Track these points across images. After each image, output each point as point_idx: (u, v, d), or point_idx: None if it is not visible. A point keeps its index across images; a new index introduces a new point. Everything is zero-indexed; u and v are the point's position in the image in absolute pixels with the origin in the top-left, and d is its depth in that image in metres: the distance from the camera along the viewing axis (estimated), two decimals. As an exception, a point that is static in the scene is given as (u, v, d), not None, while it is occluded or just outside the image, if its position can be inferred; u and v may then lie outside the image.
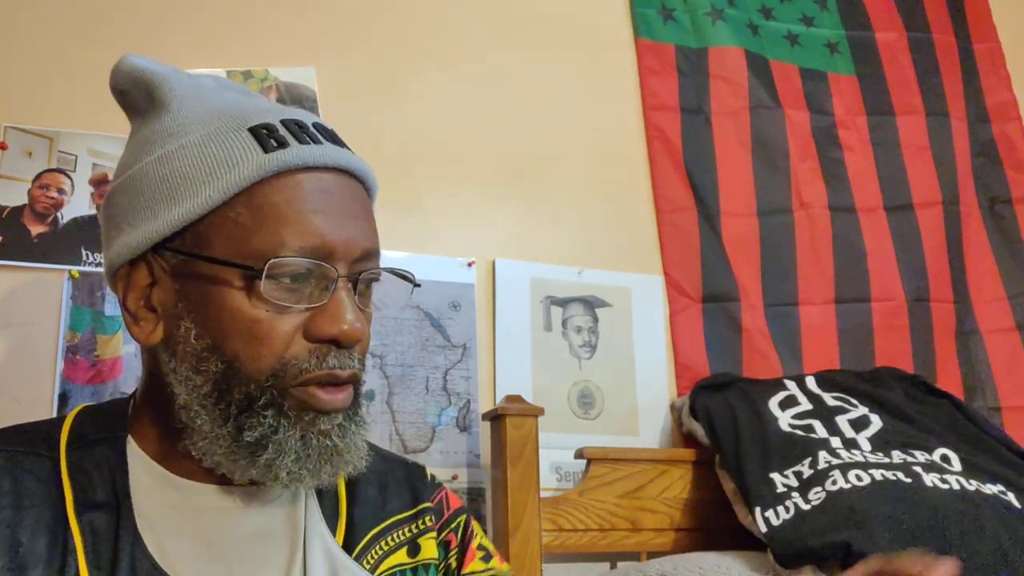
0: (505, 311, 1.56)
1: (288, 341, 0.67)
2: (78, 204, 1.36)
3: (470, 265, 1.56)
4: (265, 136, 0.69)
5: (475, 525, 0.86)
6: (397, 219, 1.54)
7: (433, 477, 0.87)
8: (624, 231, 1.71)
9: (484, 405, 1.49)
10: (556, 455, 1.50)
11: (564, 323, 1.60)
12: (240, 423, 0.66)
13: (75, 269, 1.32)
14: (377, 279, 0.76)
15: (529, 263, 1.61)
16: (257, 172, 0.67)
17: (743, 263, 1.75)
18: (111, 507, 0.68)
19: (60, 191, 1.36)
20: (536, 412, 1.36)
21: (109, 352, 1.31)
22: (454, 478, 1.44)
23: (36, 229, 1.33)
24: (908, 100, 1.99)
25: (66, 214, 1.35)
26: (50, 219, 1.34)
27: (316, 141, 0.71)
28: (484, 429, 1.46)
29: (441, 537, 0.82)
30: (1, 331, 1.28)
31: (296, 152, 0.69)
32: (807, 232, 1.82)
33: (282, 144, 0.69)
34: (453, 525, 0.83)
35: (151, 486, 0.71)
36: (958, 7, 2.13)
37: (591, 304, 1.64)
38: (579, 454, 1.44)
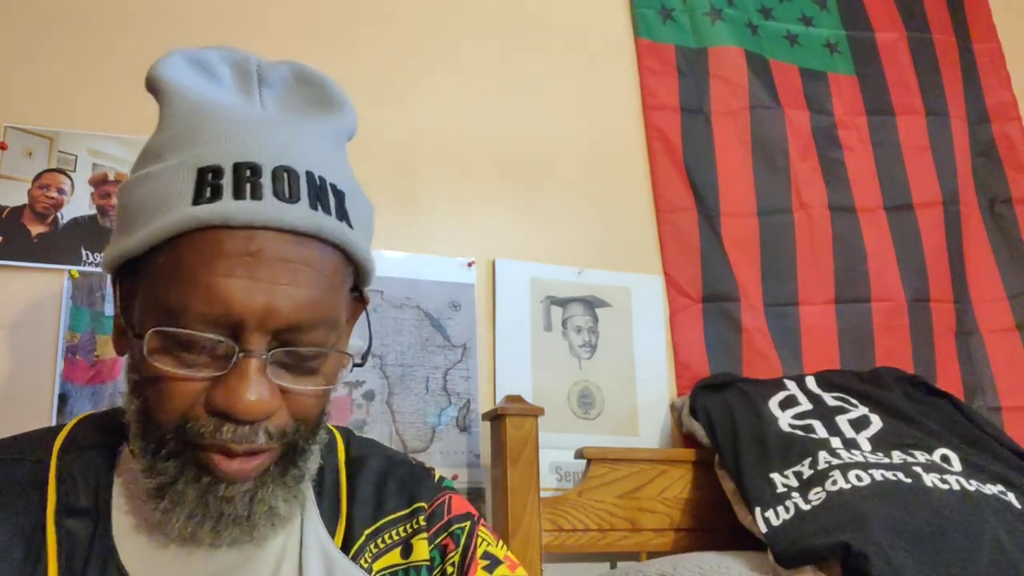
0: (505, 311, 1.56)
1: (190, 403, 0.63)
2: (78, 204, 1.36)
3: (470, 265, 1.56)
4: (205, 183, 0.64)
5: (483, 532, 0.81)
6: (397, 219, 1.55)
7: (441, 480, 0.84)
8: (624, 231, 1.71)
9: (484, 405, 1.49)
10: (556, 455, 1.50)
11: (564, 323, 1.60)
12: (151, 464, 0.65)
13: (75, 269, 1.32)
14: (301, 355, 0.66)
15: (529, 263, 1.61)
16: (175, 226, 0.63)
17: (743, 263, 1.75)
18: (91, 514, 0.68)
19: (60, 191, 1.36)
20: (536, 412, 1.36)
21: (109, 352, 1.31)
22: (454, 478, 1.44)
23: (36, 229, 1.33)
24: (908, 100, 1.99)
25: (66, 214, 1.35)
26: (50, 219, 1.34)
27: (256, 195, 0.64)
28: (484, 429, 1.46)
29: (437, 541, 0.79)
30: (1, 331, 1.28)
31: (219, 208, 0.63)
32: (807, 232, 1.82)
33: (215, 195, 0.63)
34: (452, 530, 0.79)
35: (131, 496, 0.70)
36: (958, 7, 2.13)
37: (591, 304, 1.64)
38: (579, 454, 1.44)
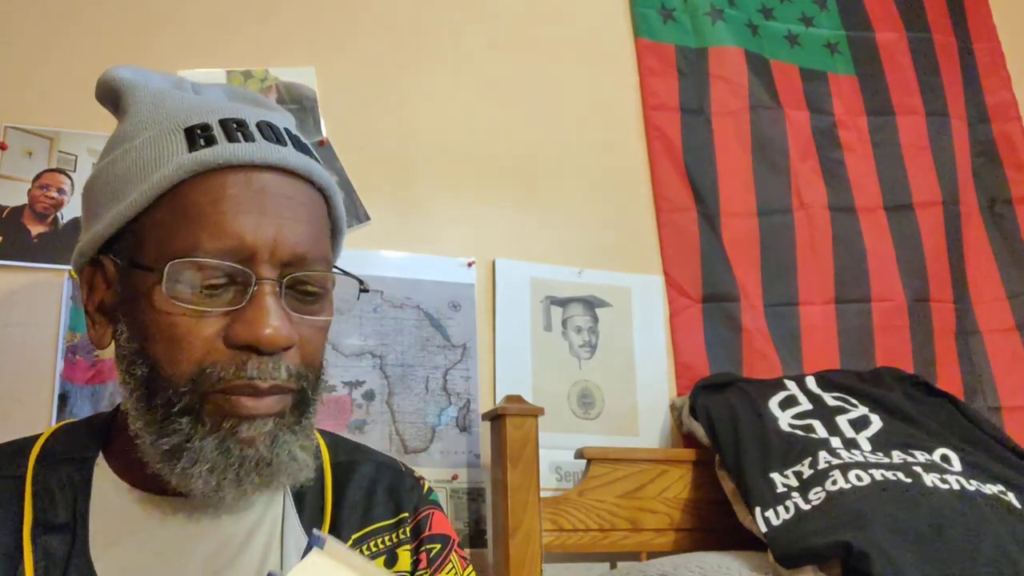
0: (505, 311, 1.56)
1: (208, 346, 0.64)
2: (78, 204, 1.36)
3: (470, 265, 1.56)
4: (197, 136, 0.67)
5: (455, 559, 0.82)
6: (397, 219, 1.54)
7: (429, 491, 0.85)
8: (624, 231, 1.71)
9: (484, 405, 1.49)
10: (556, 455, 1.50)
11: (564, 323, 1.60)
12: (162, 429, 0.64)
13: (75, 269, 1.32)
14: (311, 283, 0.69)
15: (529, 263, 1.61)
16: (177, 172, 0.65)
17: (743, 263, 1.75)
18: (68, 530, 0.67)
19: (60, 191, 1.36)
20: (536, 412, 1.36)
21: (109, 352, 1.30)
22: (454, 478, 1.44)
23: (36, 229, 1.33)
24: (908, 100, 1.99)
25: (66, 214, 1.35)
26: (50, 219, 1.34)
27: (250, 139, 0.67)
28: (484, 429, 1.46)
29: (415, 556, 0.79)
30: (1, 331, 1.28)
31: (219, 150, 0.66)
32: (807, 232, 1.82)
33: (210, 143, 0.66)
34: (429, 547, 0.80)
35: (116, 505, 0.69)
36: (958, 7, 2.13)
37: (591, 304, 1.64)
38: (579, 454, 1.44)
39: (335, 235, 0.76)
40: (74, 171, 1.38)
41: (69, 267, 1.32)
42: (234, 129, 0.68)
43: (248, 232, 0.64)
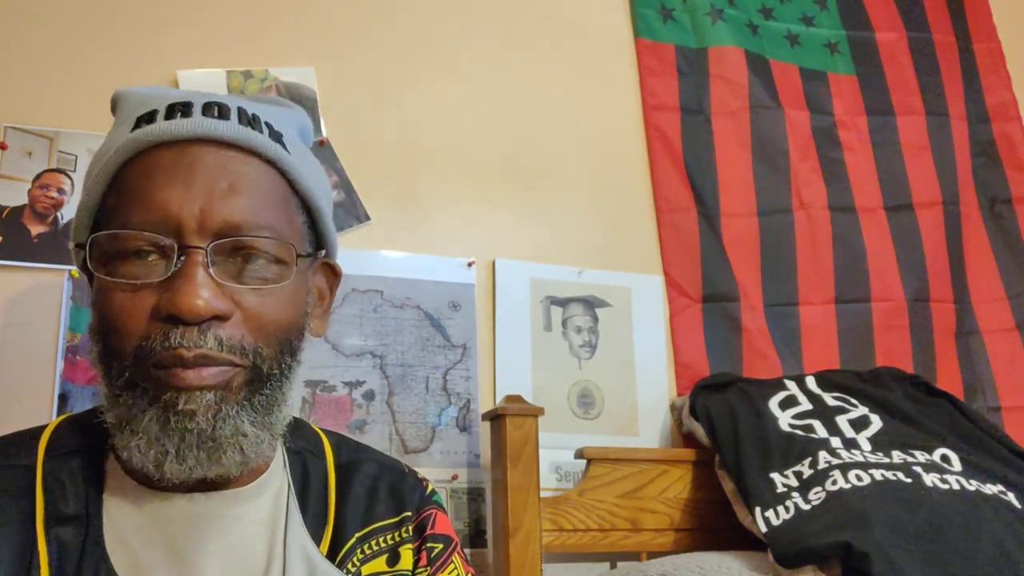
0: (505, 311, 1.56)
1: (141, 319, 0.64)
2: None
3: (470, 265, 1.56)
4: (142, 121, 0.68)
5: (457, 561, 0.82)
6: (397, 219, 1.54)
7: (432, 492, 0.85)
8: (624, 231, 1.71)
9: (484, 405, 1.49)
10: (556, 455, 1.50)
11: (564, 323, 1.60)
12: (112, 404, 0.65)
13: (75, 269, 1.32)
14: (255, 250, 0.67)
15: (529, 263, 1.61)
16: (116, 155, 0.67)
17: (743, 263, 1.75)
18: (80, 521, 0.67)
19: (60, 191, 1.36)
20: (536, 412, 1.36)
21: (109, 352, 1.31)
22: (454, 478, 1.44)
23: (36, 229, 1.33)
24: (908, 100, 1.99)
25: (66, 214, 1.35)
26: (50, 219, 1.34)
27: (187, 115, 0.68)
28: (484, 429, 1.46)
29: (416, 555, 0.80)
30: (1, 331, 1.28)
31: (151, 128, 0.67)
32: (807, 232, 1.82)
33: (150, 122, 0.68)
34: (431, 546, 0.80)
35: (126, 498, 0.69)
36: (958, 7, 2.13)
37: (591, 304, 1.64)
38: (579, 454, 1.44)
39: (312, 213, 0.75)
40: (74, 171, 1.38)
41: (69, 267, 1.32)
42: (176, 110, 0.68)
43: (174, 202, 0.64)
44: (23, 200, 1.34)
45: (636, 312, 1.66)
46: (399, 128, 1.60)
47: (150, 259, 0.65)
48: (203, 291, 0.63)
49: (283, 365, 0.69)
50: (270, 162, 0.71)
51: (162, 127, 0.67)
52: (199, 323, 0.63)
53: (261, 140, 0.70)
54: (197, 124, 0.67)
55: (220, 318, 0.64)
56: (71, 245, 0.75)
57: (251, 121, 0.70)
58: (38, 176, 1.36)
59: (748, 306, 1.71)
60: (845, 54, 2.01)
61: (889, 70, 2.01)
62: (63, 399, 1.27)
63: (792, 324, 1.75)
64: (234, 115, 0.70)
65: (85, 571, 0.65)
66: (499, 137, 1.67)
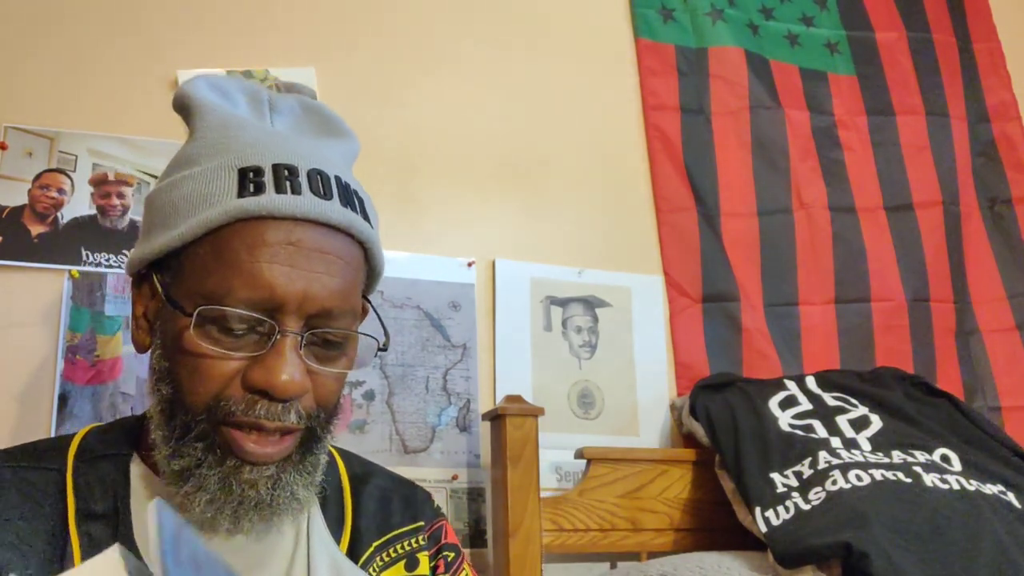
0: (505, 311, 1.56)
1: (226, 382, 0.67)
2: (78, 204, 1.36)
3: (470, 265, 1.56)
4: (248, 180, 0.69)
5: (467, 568, 0.89)
6: (397, 219, 1.54)
7: (438, 508, 0.91)
8: (624, 231, 1.71)
9: (484, 405, 1.49)
10: (556, 455, 1.50)
11: (564, 323, 1.60)
12: (176, 449, 0.68)
13: (75, 269, 1.32)
14: (329, 340, 0.71)
15: (529, 263, 1.61)
16: (222, 216, 0.68)
17: (743, 263, 1.75)
18: (110, 518, 0.70)
19: (60, 191, 1.36)
20: (536, 412, 1.36)
21: (109, 352, 1.31)
22: (454, 478, 1.44)
23: (36, 229, 1.33)
24: (908, 100, 1.99)
25: (66, 214, 1.35)
26: (50, 219, 1.34)
27: (297, 191, 0.70)
28: (484, 429, 1.46)
29: (433, 563, 0.85)
30: (1, 331, 1.28)
31: (264, 201, 0.68)
32: (807, 232, 1.82)
33: (259, 190, 0.69)
34: (445, 555, 0.86)
35: (149, 501, 0.71)
36: (958, 7, 2.13)
37: (591, 304, 1.64)
38: (579, 454, 1.44)
39: (372, 277, 0.80)
40: (74, 171, 1.38)
41: (69, 267, 1.32)
42: (284, 178, 0.70)
43: (279, 284, 0.67)
44: (23, 200, 1.34)
45: (636, 312, 1.66)
46: (399, 128, 1.60)
47: (245, 331, 0.68)
48: (296, 373, 0.67)
49: (331, 425, 0.75)
50: (359, 241, 0.74)
51: (274, 204, 0.68)
52: (285, 400, 0.67)
53: (358, 224, 0.73)
54: (308, 206, 0.69)
55: (299, 395, 0.69)
56: (131, 262, 0.75)
57: (347, 197, 0.73)
58: (38, 176, 1.36)
59: (748, 306, 1.71)
60: (845, 54, 2.01)
61: (889, 70, 2.01)
62: (63, 399, 1.27)
63: (792, 324, 1.75)
64: (335, 189, 0.72)
65: None
66: (499, 137, 1.67)
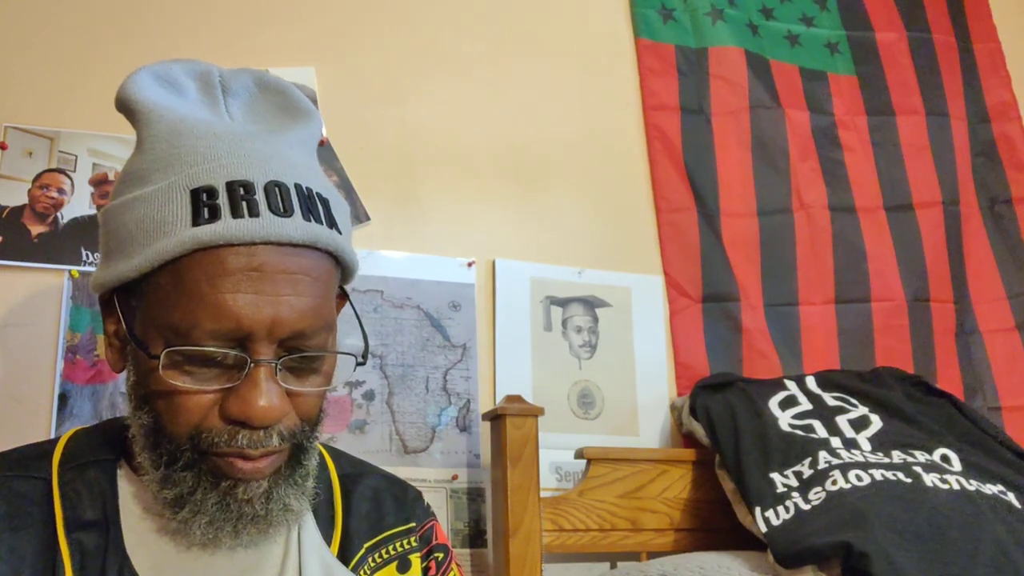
0: (505, 311, 1.56)
1: (204, 414, 0.66)
2: (78, 204, 1.36)
3: (470, 265, 1.56)
4: (201, 203, 0.65)
5: (455, 569, 0.89)
6: (397, 219, 1.54)
7: (428, 508, 0.90)
8: (624, 231, 1.71)
9: (484, 405, 1.49)
10: (556, 455, 1.50)
11: (564, 323, 1.60)
12: (166, 476, 0.67)
13: (75, 269, 1.32)
14: (305, 358, 0.69)
15: (529, 263, 1.61)
16: (178, 248, 0.65)
17: (743, 263, 1.75)
18: (100, 526, 0.69)
19: (60, 191, 1.36)
20: (536, 412, 1.36)
21: (109, 352, 1.31)
22: (454, 478, 1.44)
23: (36, 229, 1.33)
24: (908, 100, 1.99)
25: (66, 214, 1.35)
26: (50, 219, 1.34)
27: (254, 212, 0.65)
28: (484, 429, 1.46)
29: (425, 564, 0.85)
30: (1, 331, 1.28)
31: (220, 229, 0.64)
32: (807, 232, 1.82)
33: (213, 215, 0.65)
34: (437, 555, 0.87)
35: (138, 509, 0.72)
36: (958, 7, 2.13)
37: (591, 304, 1.64)
38: (579, 454, 1.44)
39: (347, 274, 0.77)
40: (74, 171, 1.38)
41: (69, 267, 1.32)
42: (240, 197, 0.66)
43: (245, 314, 0.64)
44: (23, 200, 1.34)
45: (636, 312, 1.66)
46: (399, 128, 1.60)
47: (215, 365, 0.66)
48: (274, 399, 0.66)
49: (316, 435, 0.74)
50: (335, 256, 0.72)
51: (231, 229, 0.64)
52: (266, 427, 0.67)
53: (324, 236, 0.69)
54: (268, 228, 0.65)
55: (279, 420, 0.68)
56: (93, 284, 0.73)
57: (309, 206, 0.69)
58: (38, 176, 1.36)
59: (748, 306, 1.71)
60: (845, 54, 2.01)
61: (889, 70, 2.01)
62: (63, 399, 1.27)
63: (792, 324, 1.75)
64: (295, 201, 0.68)
65: (108, 571, 0.68)
66: (499, 137, 1.67)
